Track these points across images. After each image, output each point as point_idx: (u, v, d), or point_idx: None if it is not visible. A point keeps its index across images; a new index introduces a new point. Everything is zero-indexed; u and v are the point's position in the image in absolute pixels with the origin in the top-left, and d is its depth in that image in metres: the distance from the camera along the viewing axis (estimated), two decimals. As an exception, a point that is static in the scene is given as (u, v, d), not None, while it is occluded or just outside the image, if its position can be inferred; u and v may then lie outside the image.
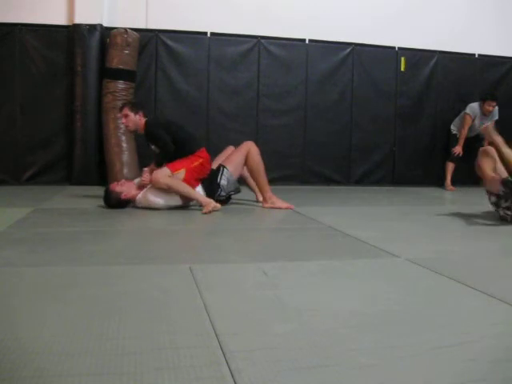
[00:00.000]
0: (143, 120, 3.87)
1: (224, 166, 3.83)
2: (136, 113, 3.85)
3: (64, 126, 5.52)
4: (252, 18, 5.94)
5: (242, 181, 4.11)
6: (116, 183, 3.77)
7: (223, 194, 3.79)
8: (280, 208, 3.76)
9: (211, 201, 3.57)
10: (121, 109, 3.97)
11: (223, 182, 3.77)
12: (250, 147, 3.84)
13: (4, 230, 2.76)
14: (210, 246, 2.60)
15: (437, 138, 6.51)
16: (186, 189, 3.60)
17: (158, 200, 3.60)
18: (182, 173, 3.66)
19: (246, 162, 3.84)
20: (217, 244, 2.68)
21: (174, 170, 3.64)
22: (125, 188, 3.65)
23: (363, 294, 1.73)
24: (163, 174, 3.59)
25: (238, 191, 3.93)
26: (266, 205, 3.81)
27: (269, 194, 3.84)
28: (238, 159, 3.86)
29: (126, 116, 3.84)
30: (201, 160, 3.78)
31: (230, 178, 3.80)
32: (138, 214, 3.45)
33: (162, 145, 3.73)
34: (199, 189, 3.73)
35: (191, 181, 3.67)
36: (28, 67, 5.42)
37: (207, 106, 5.89)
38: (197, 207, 3.65)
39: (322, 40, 6.13)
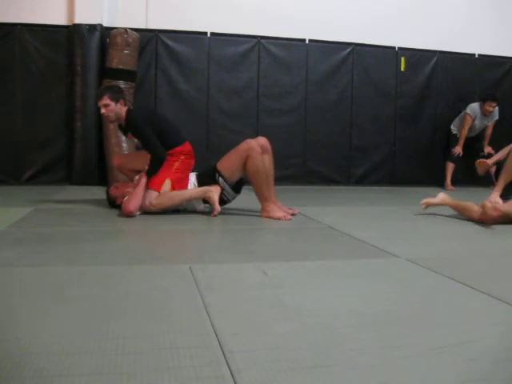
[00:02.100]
0: (124, 109, 3.51)
1: (219, 172, 3.44)
2: (117, 101, 3.45)
3: (64, 126, 5.52)
4: (252, 18, 5.95)
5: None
6: (113, 187, 3.68)
7: (227, 198, 3.51)
8: (279, 218, 3.31)
9: (208, 189, 3.36)
10: (99, 96, 3.49)
11: (225, 190, 3.47)
12: (249, 152, 3.33)
13: (4, 229, 2.76)
14: (209, 246, 2.60)
15: (437, 138, 6.51)
16: (178, 197, 3.43)
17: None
18: (167, 184, 3.42)
19: (246, 168, 3.36)
20: (217, 244, 2.68)
21: (159, 189, 3.40)
22: (119, 194, 3.57)
23: (363, 293, 1.73)
24: (152, 198, 3.37)
25: (234, 198, 3.61)
26: (264, 214, 3.40)
27: (267, 203, 3.39)
28: (235, 164, 3.40)
29: (106, 106, 3.43)
30: (182, 157, 3.52)
31: (225, 186, 3.45)
32: (137, 214, 3.44)
33: (145, 142, 3.48)
34: (193, 179, 3.53)
35: (180, 184, 3.48)
36: (28, 67, 5.43)
37: (207, 106, 5.89)
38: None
39: (322, 40, 6.14)
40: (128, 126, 3.53)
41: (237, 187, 3.56)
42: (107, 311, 1.47)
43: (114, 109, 3.45)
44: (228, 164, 3.43)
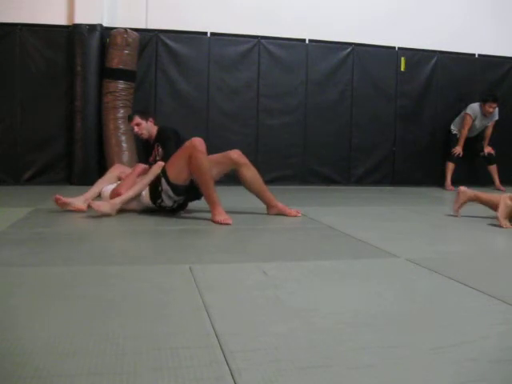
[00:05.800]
0: (155, 127, 3.73)
1: (163, 172, 3.30)
2: (147, 120, 3.69)
3: (64, 126, 5.51)
4: (252, 18, 5.95)
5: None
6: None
7: (166, 204, 3.37)
8: (218, 222, 3.10)
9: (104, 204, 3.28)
10: (130, 118, 3.76)
11: (164, 191, 3.32)
12: (191, 150, 3.14)
13: (4, 229, 2.76)
14: (210, 246, 2.60)
15: (437, 138, 6.51)
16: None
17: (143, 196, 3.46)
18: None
19: (190, 167, 3.18)
20: (217, 244, 2.68)
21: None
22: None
23: (363, 293, 1.73)
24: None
25: (184, 201, 3.45)
26: (212, 218, 3.17)
27: (213, 206, 3.18)
28: (179, 162, 3.22)
29: (138, 124, 3.66)
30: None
31: (166, 188, 3.29)
32: (137, 214, 3.45)
33: (168, 151, 3.45)
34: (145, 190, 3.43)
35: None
36: (28, 67, 5.42)
37: (207, 105, 5.89)
38: (194, 209, 3.64)
39: (322, 40, 6.13)
40: (159, 136, 3.67)
41: (185, 191, 3.36)
42: (107, 311, 1.47)
43: (145, 127, 3.70)
44: (172, 163, 3.28)
